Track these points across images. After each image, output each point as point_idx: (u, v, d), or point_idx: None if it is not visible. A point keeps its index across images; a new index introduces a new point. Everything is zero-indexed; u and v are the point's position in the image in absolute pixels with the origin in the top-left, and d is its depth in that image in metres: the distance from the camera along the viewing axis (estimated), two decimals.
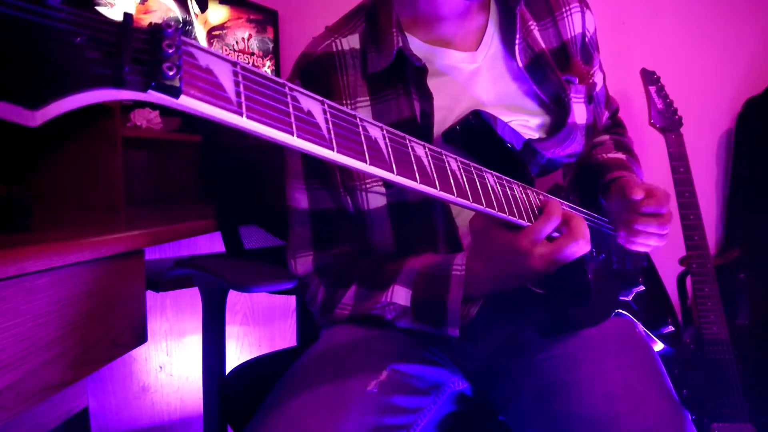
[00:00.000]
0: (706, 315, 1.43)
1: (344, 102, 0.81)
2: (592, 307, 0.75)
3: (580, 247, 0.62)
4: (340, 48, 0.82)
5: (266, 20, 1.80)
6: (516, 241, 0.63)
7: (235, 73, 0.38)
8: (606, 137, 0.99)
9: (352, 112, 0.47)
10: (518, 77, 0.83)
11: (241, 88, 0.38)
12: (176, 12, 1.50)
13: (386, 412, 0.66)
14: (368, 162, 0.45)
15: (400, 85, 0.79)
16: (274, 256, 1.22)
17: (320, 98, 0.44)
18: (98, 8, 1.31)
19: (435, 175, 0.52)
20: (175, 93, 0.34)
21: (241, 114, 0.37)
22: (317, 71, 0.82)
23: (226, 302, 0.92)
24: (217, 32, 1.63)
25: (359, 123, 0.47)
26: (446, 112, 0.79)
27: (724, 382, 1.41)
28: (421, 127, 0.77)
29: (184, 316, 1.69)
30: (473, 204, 0.56)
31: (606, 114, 1.01)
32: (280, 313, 1.90)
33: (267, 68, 1.80)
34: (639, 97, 1.59)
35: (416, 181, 0.50)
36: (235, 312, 1.80)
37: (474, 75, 0.82)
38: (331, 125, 0.43)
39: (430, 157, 0.53)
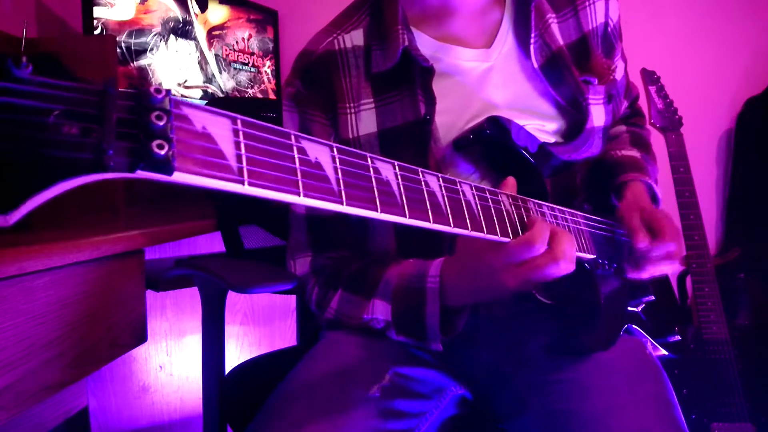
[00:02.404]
0: (706, 315, 1.43)
1: (348, 105, 0.78)
2: (601, 327, 0.72)
3: (560, 268, 0.57)
4: (342, 46, 0.79)
5: (266, 20, 1.79)
6: (492, 258, 0.59)
7: (236, 132, 0.35)
8: (623, 129, 0.94)
9: (363, 153, 0.44)
10: (533, 78, 0.79)
11: (243, 150, 0.35)
12: (176, 12, 1.50)
13: (389, 416, 0.65)
14: (379, 210, 0.43)
15: (405, 87, 0.75)
16: (274, 256, 1.22)
17: (328, 143, 0.41)
18: (97, 8, 1.31)
19: (449, 211, 0.50)
20: (168, 170, 0.30)
21: (242, 182, 0.34)
22: (319, 72, 0.78)
23: (225, 302, 0.92)
24: (217, 32, 1.63)
25: (370, 165, 0.44)
26: (455, 115, 0.76)
27: (724, 382, 1.41)
28: (425, 132, 0.74)
29: (184, 315, 1.69)
30: (488, 235, 0.54)
31: (625, 103, 0.97)
32: (280, 313, 1.90)
33: (267, 68, 1.80)
34: (639, 96, 1.58)
35: (429, 222, 0.48)
36: (235, 312, 1.80)
37: (486, 74, 0.78)
38: (340, 174, 0.41)
39: (444, 190, 0.50)
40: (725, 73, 1.81)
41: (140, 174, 0.30)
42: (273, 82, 1.81)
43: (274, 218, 1.21)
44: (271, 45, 1.81)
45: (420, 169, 0.49)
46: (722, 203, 1.83)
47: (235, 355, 1.80)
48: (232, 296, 0.98)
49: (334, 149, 0.42)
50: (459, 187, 0.52)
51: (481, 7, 0.79)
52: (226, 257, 1.23)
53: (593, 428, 0.63)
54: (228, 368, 0.95)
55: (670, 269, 0.76)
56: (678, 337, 0.88)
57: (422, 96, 0.74)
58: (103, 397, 1.51)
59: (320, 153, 0.40)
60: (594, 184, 0.85)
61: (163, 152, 0.29)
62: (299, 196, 0.37)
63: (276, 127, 0.38)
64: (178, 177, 0.31)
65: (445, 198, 0.50)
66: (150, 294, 1.13)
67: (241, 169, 0.34)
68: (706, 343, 1.43)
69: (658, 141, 1.54)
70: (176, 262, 0.92)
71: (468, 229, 0.51)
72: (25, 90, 0.26)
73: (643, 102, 1.53)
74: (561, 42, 0.79)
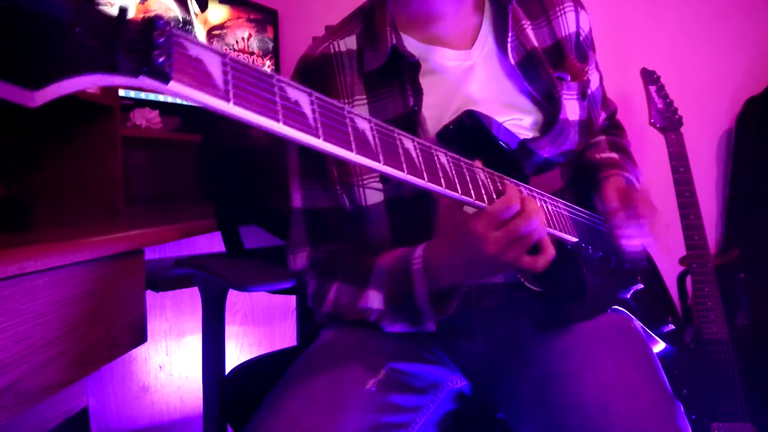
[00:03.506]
0: (706, 315, 1.43)
1: (342, 100, 0.81)
2: (588, 302, 0.75)
3: (532, 223, 0.60)
4: (337, 49, 0.84)
5: (266, 20, 1.79)
6: (471, 224, 0.62)
7: (224, 64, 0.40)
8: (602, 138, 1.00)
9: (341, 104, 0.48)
10: (511, 75, 0.84)
11: (230, 78, 0.39)
12: (176, 11, 1.50)
13: (385, 410, 0.66)
14: (355, 151, 0.47)
15: (396, 82, 0.80)
16: (274, 256, 1.22)
17: (308, 90, 0.45)
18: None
19: (423, 167, 0.53)
20: (165, 78, 0.35)
21: (228, 101, 0.39)
22: (316, 73, 0.84)
23: (225, 302, 0.92)
24: (217, 32, 1.63)
25: (347, 115, 0.48)
26: (440, 110, 0.80)
27: (724, 382, 1.41)
28: (413, 124, 0.78)
29: (184, 315, 1.69)
30: (462, 196, 0.57)
31: (603, 115, 1.02)
32: (279, 313, 1.90)
33: (267, 68, 1.80)
34: (639, 96, 1.59)
35: (403, 172, 0.51)
36: (235, 312, 1.80)
37: (468, 72, 0.83)
38: (318, 115, 0.45)
39: (418, 150, 0.54)
40: (725, 73, 1.81)
41: (143, 80, 0.35)
42: None
43: (274, 218, 1.21)
44: (270, 44, 1.81)
45: (396, 130, 0.53)
46: (722, 203, 1.83)
47: (235, 355, 1.80)
48: (232, 296, 0.99)
49: (313, 95, 0.45)
50: (434, 151, 0.56)
51: (463, 12, 0.85)
52: (226, 257, 1.23)
53: (573, 382, 0.66)
54: (228, 368, 0.96)
55: (644, 239, 0.80)
56: (672, 327, 0.90)
57: (411, 89, 0.79)
58: (103, 397, 1.51)
59: (299, 96, 0.45)
60: (575, 185, 0.89)
61: (162, 60, 0.35)
62: (279, 123, 0.42)
63: (260, 68, 0.43)
64: (174, 86, 0.36)
65: (420, 156, 0.53)
66: (150, 294, 1.14)
67: (227, 91, 0.39)
68: (706, 343, 1.43)
69: (658, 141, 1.55)
70: (176, 261, 0.93)
71: (442, 186, 0.54)
72: (58, 6, 0.32)
73: (643, 102, 1.54)
74: (536, 44, 0.85)
